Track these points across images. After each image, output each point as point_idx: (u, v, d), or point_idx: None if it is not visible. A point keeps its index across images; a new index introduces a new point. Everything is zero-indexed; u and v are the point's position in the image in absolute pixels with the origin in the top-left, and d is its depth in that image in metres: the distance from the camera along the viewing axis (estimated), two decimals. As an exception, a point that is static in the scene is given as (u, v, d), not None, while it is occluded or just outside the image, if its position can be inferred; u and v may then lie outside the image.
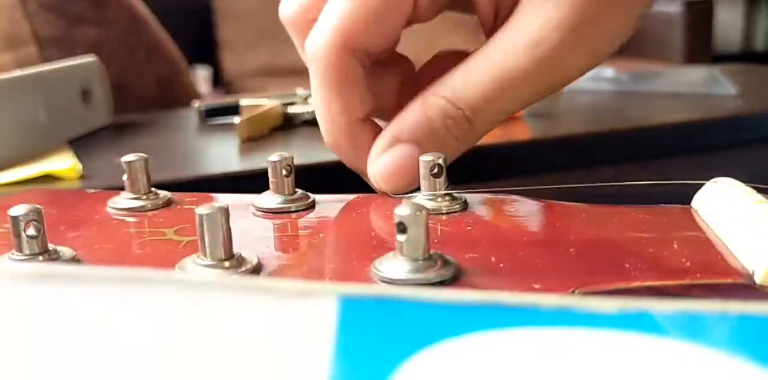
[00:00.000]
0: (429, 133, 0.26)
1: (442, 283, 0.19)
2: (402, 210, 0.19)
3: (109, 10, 0.81)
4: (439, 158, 0.25)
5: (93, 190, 0.30)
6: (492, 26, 0.27)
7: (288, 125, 0.51)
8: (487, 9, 0.27)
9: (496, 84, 0.25)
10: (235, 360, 0.12)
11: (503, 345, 0.12)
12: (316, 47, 0.26)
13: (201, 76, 2.01)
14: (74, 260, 0.21)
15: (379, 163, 0.27)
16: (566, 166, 0.50)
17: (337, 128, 0.28)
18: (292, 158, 0.26)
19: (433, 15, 0.28)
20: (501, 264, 0.20)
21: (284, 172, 0.26)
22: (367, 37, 0.26)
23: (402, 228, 0.19)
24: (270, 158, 0.26)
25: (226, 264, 0.20)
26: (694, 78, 0.72)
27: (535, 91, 0.26)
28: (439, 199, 0.25)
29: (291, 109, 0.51)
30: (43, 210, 0.21)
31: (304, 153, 0.43)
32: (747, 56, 2.92)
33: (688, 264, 0.20)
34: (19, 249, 0.21)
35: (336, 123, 0.27)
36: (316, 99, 0.27)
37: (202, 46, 2.09)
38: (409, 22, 0.28)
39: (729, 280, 0.19)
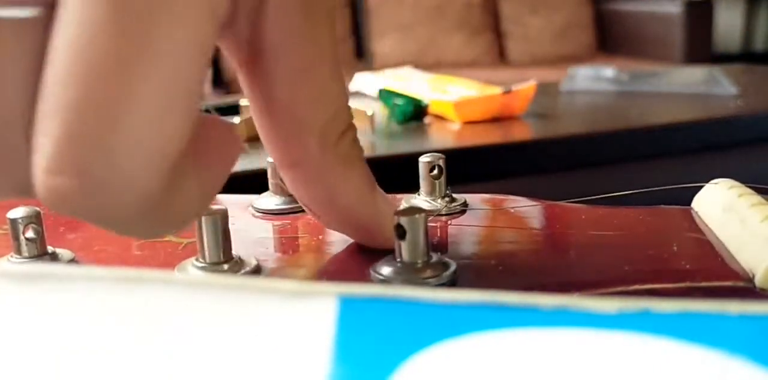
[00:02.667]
0: None
1: (441, 286, 0.19)
2: (401, 214, 0.19)
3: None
4: (439, 159, 0.25)
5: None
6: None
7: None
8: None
9: None
10: (234, 360, 0.12)
11: (503, 345, 0.12)
12: None
13: (201, 76, 2.01)
14: (73, 262, 0.21)
15: None
16: (566, 166, 0.50)
17: None
18: (292, 159, 0.26)
19: None
20: (500, 268, 0.20)
21: (284, 173, 0.26)
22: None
23: (401, 231, 0.19)
24: (269, 159, 0.26)
25: (225, 266, 0.20)
26: (694, 78, 0.72)
27: None
28: (439, 200, 0.25)
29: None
30: (42, 212, 0.21)
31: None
32: (747, 56, 2.92)
33: (687, 266, 0.20)
34: (18, 252, 0.21)
35: None
36: None
37: (202, 46, 2.09)
38: None
39: (729, 283, 0.19)
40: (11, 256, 0.21)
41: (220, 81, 2.14)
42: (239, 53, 0.19)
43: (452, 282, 0.19)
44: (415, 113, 0.56)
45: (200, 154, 0.16)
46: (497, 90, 0.58)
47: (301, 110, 0.19)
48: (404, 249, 0.19)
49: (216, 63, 2.15)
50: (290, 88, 0.19)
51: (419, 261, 0.19)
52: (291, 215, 0.26)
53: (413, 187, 0.27)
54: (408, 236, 0.19)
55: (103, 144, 0.14)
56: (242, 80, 0.20)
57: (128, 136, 0.14)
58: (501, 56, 2.53)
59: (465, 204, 0.26)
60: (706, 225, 0.23)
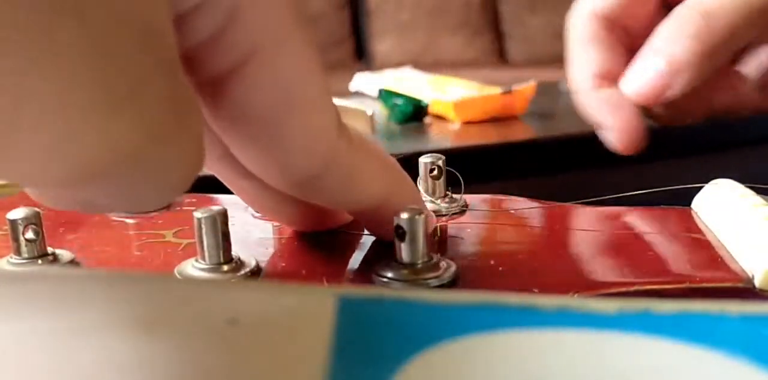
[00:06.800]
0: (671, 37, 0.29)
1: (441, 287, 0.19)
2: (401, 215, 0.19)
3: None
4: (439, 160, 0.25)
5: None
6: None
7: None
8: None
9: None
10: (233, 359, 0.12)
11: (503, 346, 0.12)
12: (573, 16, 0.32)
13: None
14: (73, 263, 0.21)
15: (633, 75, 0.30)
16: (566, 166, 0.50)
17: (577, 83, 0.32)
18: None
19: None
20: (500, 268, 0.20)
21: (283, 174, 0.26)
22: (619, 13, 0.32)
23: (401, 232, 0.19)
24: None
25: (225, 268, 0.20)
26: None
27: None
28: (439, 200, 0.25)
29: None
30: (42, 213, 0.21)
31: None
32: (747, 56, 2.91)
33: (687, 267, 0.20)
34: (18, 253, 0.20)
35: (575, 78, 0.32)
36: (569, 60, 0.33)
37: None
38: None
39: (728, 284, 0.19)
40: (11, 257, 0.21)
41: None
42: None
43: (452, 283, 0.19)
44: (415, 113, 0.56)
45: None
46: (497, 90, 0.58)
47: None
48: (404, 250, 0.19)
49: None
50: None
51: (419, 261, 0.19)
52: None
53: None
54: (408, 237, 0.19)
55: None
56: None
57: None
58: (501, 56, 2.53)
59: (465, 204, 0.26)
60: (706, 226, 0.23)
